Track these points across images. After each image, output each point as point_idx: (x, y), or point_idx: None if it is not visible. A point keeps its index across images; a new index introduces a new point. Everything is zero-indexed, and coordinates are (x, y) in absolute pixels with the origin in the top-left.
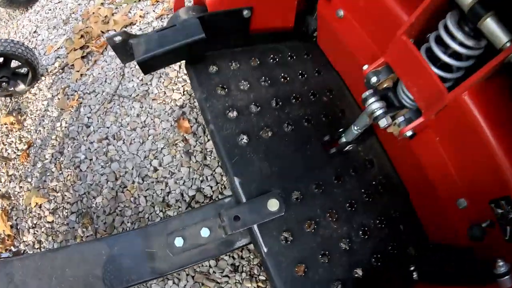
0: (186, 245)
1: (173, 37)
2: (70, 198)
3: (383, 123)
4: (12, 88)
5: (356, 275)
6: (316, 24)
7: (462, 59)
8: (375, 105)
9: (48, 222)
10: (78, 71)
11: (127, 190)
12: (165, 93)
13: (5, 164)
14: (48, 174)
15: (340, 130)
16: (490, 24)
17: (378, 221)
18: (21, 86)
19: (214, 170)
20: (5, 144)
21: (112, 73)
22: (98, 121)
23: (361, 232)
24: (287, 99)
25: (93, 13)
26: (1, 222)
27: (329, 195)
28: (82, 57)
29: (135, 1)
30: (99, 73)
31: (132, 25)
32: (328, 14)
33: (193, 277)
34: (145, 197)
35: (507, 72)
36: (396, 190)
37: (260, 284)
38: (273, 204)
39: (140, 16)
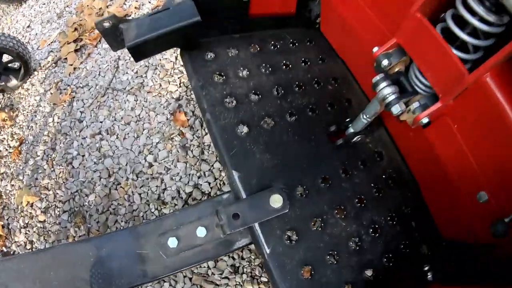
0: (180, 246)
1: (166, 21)
2: (62, 196)
3: (396, 109)
4: (4, 84)
5: (367, 277)
6: (319, 9)
7: (482, 38)
8: (387, 90)
9: (40, 222)
10: (71, 65)
11: (120, 187)
12: (160, 85)
13: None
14: (40, 171)
15: (347, 120)
16: None
17: (389, 218)
18: (13, 82)
19: (212, 165)
20: None
21: (106, 66)
22: (91, 116)
23: (371, 230)
24: (290, 87)
25: (88, 5)
26: None
27: (336, 190)
28: (76, 51)
29: None
30: (92, 66)
31: (127, 17)
32: None
33: (190, 279)
34: (140, 194)
35: None
36: (406, 184)
37: (262, 286)
38: (276, 200)
39: (135, 8)
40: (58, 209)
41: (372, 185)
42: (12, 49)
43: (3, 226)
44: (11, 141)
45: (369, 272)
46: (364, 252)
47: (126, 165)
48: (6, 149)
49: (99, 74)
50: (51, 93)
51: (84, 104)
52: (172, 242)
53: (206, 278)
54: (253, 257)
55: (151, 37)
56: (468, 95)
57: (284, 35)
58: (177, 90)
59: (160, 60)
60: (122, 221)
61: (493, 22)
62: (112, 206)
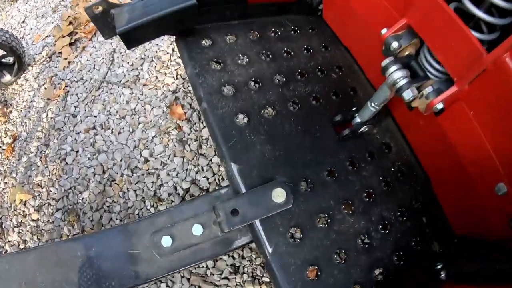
0: (175, 245)
1: (160, 5)
2: (55, 193)
3: (408, 95)
4: None
5: (377, 277)
6: None
7: (498, 16)
8: (397, 74)
9: (33, 220)
10: (65, 59)
11: (115, 183)
12: (157, 77)
13: None
14: (33, 168)
15: (354, 109)
16: None
17: (399, 213)
18: (7, 77)
19: (211, 160)
20: None
21: (101, 59)
22: (85, 110)
23: (380, 226)
24: (292, 75)
25: None
26: None
27: (343, 184)
28: (70, 44)
29: None
30: (87, 60)
31: (120, 2)
32: None
33: (188, 279)
34: (135, 191)
35: None
36: (416, 177)
37: (263, 286)
38: (279, 195)
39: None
40: (52, 207)
41: (380, 178)
42: (5, 43)
43: None
44: (5, 137)
45: (379, 272)
46: (374, 250)
47: (121, 160)
48: (0, 146)
49: (94, 68)
50: (45, 88)
51: (79, 98)
52: (166, 241)
53: (204, 278)
54: (254, 256)
55: (144, 22)
56: (485, 77)
57: (285, 22)
58: (174, 82)
59: (156, 52)
60: (117, 219)
61: None
62: (106, 203)
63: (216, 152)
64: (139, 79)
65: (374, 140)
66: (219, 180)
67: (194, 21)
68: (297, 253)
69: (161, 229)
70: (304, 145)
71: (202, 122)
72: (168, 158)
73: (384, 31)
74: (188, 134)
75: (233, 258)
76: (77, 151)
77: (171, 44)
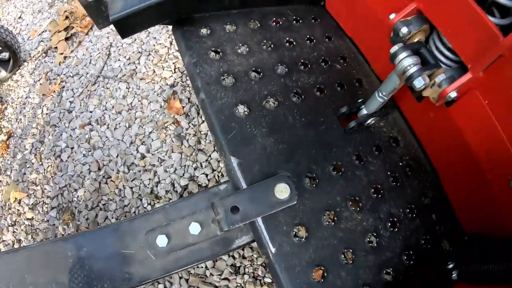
0: (171, 245)
1: None
2: (50, 191)
3: (419, 83)
4: None
5: (386, 278)
6: None
7: None
8: (407, 61)
9: (28, 219)
10: (61, 54)
11: (111, 181)
12: (154, 71)
13: None
14: (28, 166)
15: (360, 100)
16: None
17: (408, 210)
18: (2, 73)
19: (210, 156)
20: None
21: (97, 53)
22: (80, 106)
23: (389, 224)
24: (294, 65)
25: None
26: None
27: (350, 179)
28: (66, 39)
29: None
30: (83, 54)
31: None
32: None
33: (187, 280)
34: (131, 188)
35: None
36: (425, 172)
37: (265, 287)
38: (282, 190)
39: None
40: (46, 206)
41: (388, 173)
42: None
43: None
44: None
45: (388, 272)
46: (383, 249)
47: (117, 157)
48: None
49: (90, 62)
50: (41, 84)
51: (74, 93)
52: (161, 241)
53: (204, 279)
54: (255, 255)
55: (139, 9)
56: (501, 63)
57: (286, 12)
58: (171, 76)
59: (154, 45)
60: (112, 218)
61: None
62: (102, 201)
63: (215, 147)
64: (136, 73)
65: (381, 134)
66: (218, 176)
67: (192, 9)
68: (302, 253)
69: (156, 228)
70: (308, 138)
71: (201, 117)
72: (166, 154)
73: (392, 16)
74: (186, 129)
75: (234, 258)
76: (72, 148)
77: (169, 37)
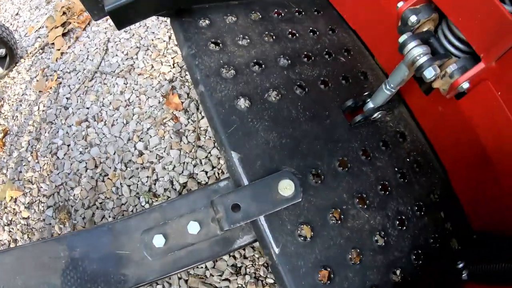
0: (168, 245)
1: None
2: (46, 190)
3: (429, 73)
4: None
5: (394, 278)
6: None
7: None
8: (417, 50)
9: (24, 218)
10: (58, 50)
11: (108, 178)
12: (152, 66)
13: None
14: (24, 163)
15: (366, 93)
16: None
17: (416, 208)
18: None
19: (210, 152)
20: None
21: (95, 49)
22: (77, 102)
23: (397, 222)
24: (297, 57)
25: None
26: None
27: (356, 175)
28: (63, 35)
29: None
30: (80, 50)
31: None
32: None
33: (186, 281)
34: (129, 186)
35: None
36: (433, 168)
37: None
38: (286, 187)
39: None
40: (42, 204)
41: (396, 169)
42: None
43: None
44: None
45: (396, 272)
46: (391, 249)
47: (114, 154)
48: None
49: (87, 58)
50: (37, 80)
51: (71, 90)
52: (158, 241)
53: (204, 280)
54: (257, 255)
55: None
56: None
57: (288, 4)
58: (170, 71)
59: (152, 40)
60: (109, 217)
61: None
62: (99, 200)
63: (215, 143)
64: (134, 68)
65: (388, 128)
66: (218, 174)
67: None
68: (307, 253)
69: (153, 227)
70: (312, 132)
71: (201, 112)
72: (164, 151)
73: (400, 4)
74: (185, 125)
75: (235, 258)
76: (68, 145)
77: (167, 32)
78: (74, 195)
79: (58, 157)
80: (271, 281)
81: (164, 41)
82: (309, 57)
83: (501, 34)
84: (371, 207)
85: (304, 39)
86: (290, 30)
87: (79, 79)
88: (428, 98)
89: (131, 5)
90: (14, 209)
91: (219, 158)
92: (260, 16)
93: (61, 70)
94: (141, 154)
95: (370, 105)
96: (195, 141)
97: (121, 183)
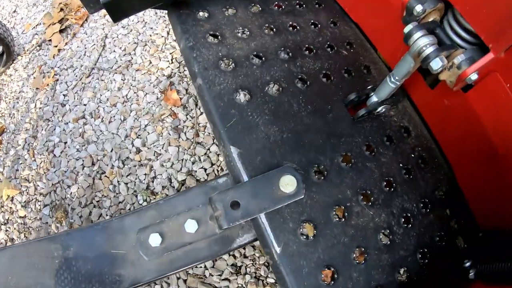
0: (165, 244)
1: None
2: (43, 188)
3: (436, 64)
4: None
5: (400, 278)
6: None
7: None
8: (423, 40)
9: (20, 217)
10: (55, 46)
11: (105, 176)
12: (150, 62)
13: None
14: (20, 162)
15: (369, 87)
16: None
17: (421, 205)
18: None
19: (209, 149)
20: None
21: (92, 45)
22: (74, 99)
23: (403, 220)
24: (299, 50)
25: None
26: None
27: (360, 171)
28: (61, 31)
29: None
30: (78, 47)
31: None
32: None
33: (185, 281)
34: (126, 184)
35: None
36: (438, 164)
37: None
38: (288, 183)
39: None
40: (39, 203)
41: (401, 165)
42: None
43: None
44: None
45: (402, 272)
46: (396, 247)
47: (111, 151)
48: None
49: (85, 54)
50: (34, 77)
51: (68, 86)
52: (155, 240)
53: (203, 280)
54: (257, 254)
55: None
56: None
57: None
58: (168, 66)
59: (150, 35)
60: (107, 215)
61: None
62: (96, 198)
63: (214, 139)
64: (132, 64)
65: (392, 123)
66: (217, 171)
67: None
68: (310, 253)
69: (149, 225)
70: (315, 127)
71: (199, 108)
72: (162, 148)
73: None
74: (184, 122)
75: (234, 257)
76: (65, 142)
77: (166, 27)
78: (71, 193)
79: (55, 155)
80: (272, 280)
81: (162, 36)
82: (310, 50)
83: (511, 24)
84: (375, 204)
85: (305, 32)
86: (291, 22)
87: (76, 76)
88: (433, 91)
89: None
90: (10, 207)
91: (218, 155)
92: (260, 8)
93: (58, 67)
94: (138, 151)
95: (374, 99)
96: (193, 137)
97: (118, 181)
